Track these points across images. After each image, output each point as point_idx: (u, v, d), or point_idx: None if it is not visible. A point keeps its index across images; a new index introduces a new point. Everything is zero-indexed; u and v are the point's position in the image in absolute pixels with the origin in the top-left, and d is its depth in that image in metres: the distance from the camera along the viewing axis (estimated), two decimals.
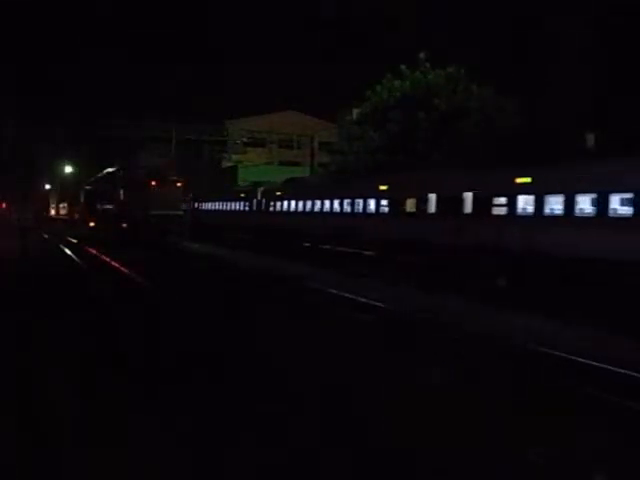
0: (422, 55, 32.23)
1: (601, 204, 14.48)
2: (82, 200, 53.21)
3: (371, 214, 24.41)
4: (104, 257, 26.60)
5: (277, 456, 5.93)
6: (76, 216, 64.71)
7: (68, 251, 29.85)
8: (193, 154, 59.90)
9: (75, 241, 36.98)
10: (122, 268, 22.07)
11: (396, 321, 12.97)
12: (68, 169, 72.10)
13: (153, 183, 34.57)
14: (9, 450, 6.05)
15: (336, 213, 27.02)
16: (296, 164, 56.59)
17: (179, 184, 35.74)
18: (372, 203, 24.46)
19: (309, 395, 7.76)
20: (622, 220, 14.00)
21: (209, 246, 36.88)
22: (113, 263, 24.10)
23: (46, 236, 43.71)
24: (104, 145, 56.42)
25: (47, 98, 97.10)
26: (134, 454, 5.95)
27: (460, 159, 23.34)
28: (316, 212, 28.68)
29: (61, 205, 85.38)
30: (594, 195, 14.81)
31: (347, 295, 15.86)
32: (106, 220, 39.07)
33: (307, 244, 28.88)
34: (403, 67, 32.31)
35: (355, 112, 35.55)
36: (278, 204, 33.55)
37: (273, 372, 8.77)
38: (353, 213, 25.72)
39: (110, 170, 42.54)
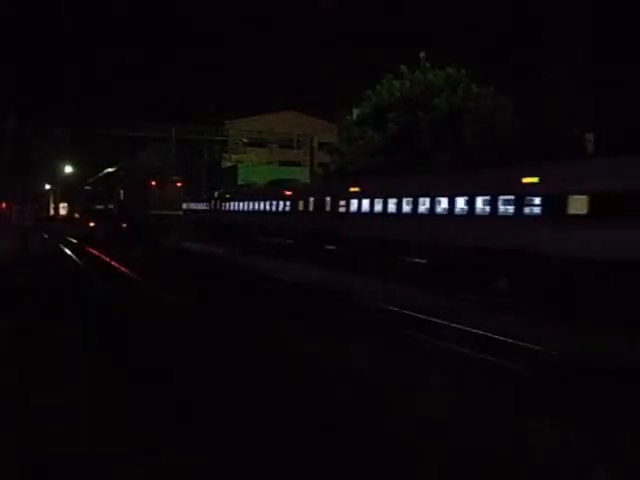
0: (422, 55, 32.19)
1: (385, 205, 22.82)
2: (82, 200, 53.21)
3: (279, 212, 33.00)
4: (104, 257, 26.63)
5: None
6: (76, 216, 64.72)
7: (68, 251, 29.86)
8: (192, 154, 59.89)
9: (75, 241, 36.98)
10: (122, 268, 22.11)
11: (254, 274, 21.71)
12: (68, 169, 71.97)
13: (153, 183, 34.54)
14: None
15: (260, 211, 35.93)
16: (296, 164, 56.60)
17: (179, 184, 35.71)
18: (281, 204, 32.90)
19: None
20: (392, 215, 22.36)
21: (198, 244, 37.44)
22: (113, 263, 24.13)
23: (46, 236, 43.72)
24: (104, 145, 56.36)
25: (47, 98, 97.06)
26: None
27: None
28: (250, 211, 37.82)
29: (61, 205, 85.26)
30: (381, 200, 23.10)
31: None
32: (106, 220, 39.07)
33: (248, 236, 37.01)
34: (403, 67, 32.28)
35: (355, 112, 35.53)
36: (226, 205, 42.58)
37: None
38: (271, 212, 34.12)
39: (110, 170, 42.55)
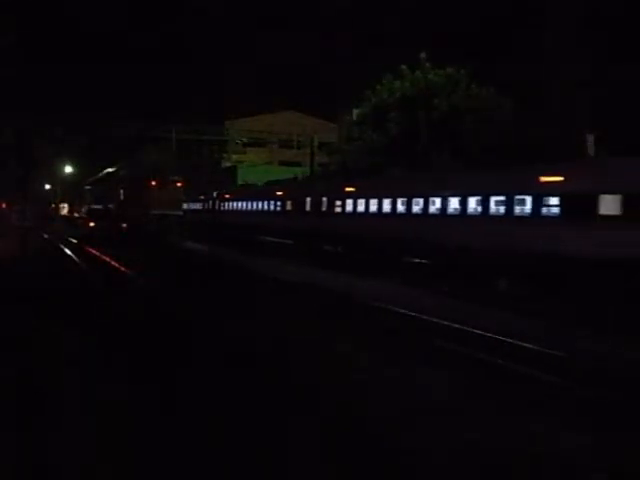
0: (422, 55, 32.14)
1: (266, 206, 35.14)
2: (82, 200, 53.27)
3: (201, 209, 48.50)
4: (104, 257, 26.63)
5: None
6: (76, 216, 64.75)
7: (68, 251, 29.87)
8: (192, 154, 59.87)
9: (75, 241, 36.98)
10: (122, 268, 22.12)
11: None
12: (68, 169, 72.03)
13: (153, 183, 34.60)
14: None
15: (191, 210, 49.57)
16: (296, 164, 56.56)
17: (179, 184, 35.77)
18: (198, 205, 48.59)
19: None
20: (270, 212, 34.44)
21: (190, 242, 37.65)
22: (113, 263, 24.14)
23: (46, 236, 43.72)
24: (104, 145, 56.36)
25: (47, 98, 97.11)
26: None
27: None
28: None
29: (61, 205, 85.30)
30: (258, 203, 36.77)
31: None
32: (106, 220, 39.11)
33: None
34: (403, 67, 32.23)
35: (355, 112, 35.51)
36: None
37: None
38: (196, 210, 48.78)
39: (110, 170, 42.64)
